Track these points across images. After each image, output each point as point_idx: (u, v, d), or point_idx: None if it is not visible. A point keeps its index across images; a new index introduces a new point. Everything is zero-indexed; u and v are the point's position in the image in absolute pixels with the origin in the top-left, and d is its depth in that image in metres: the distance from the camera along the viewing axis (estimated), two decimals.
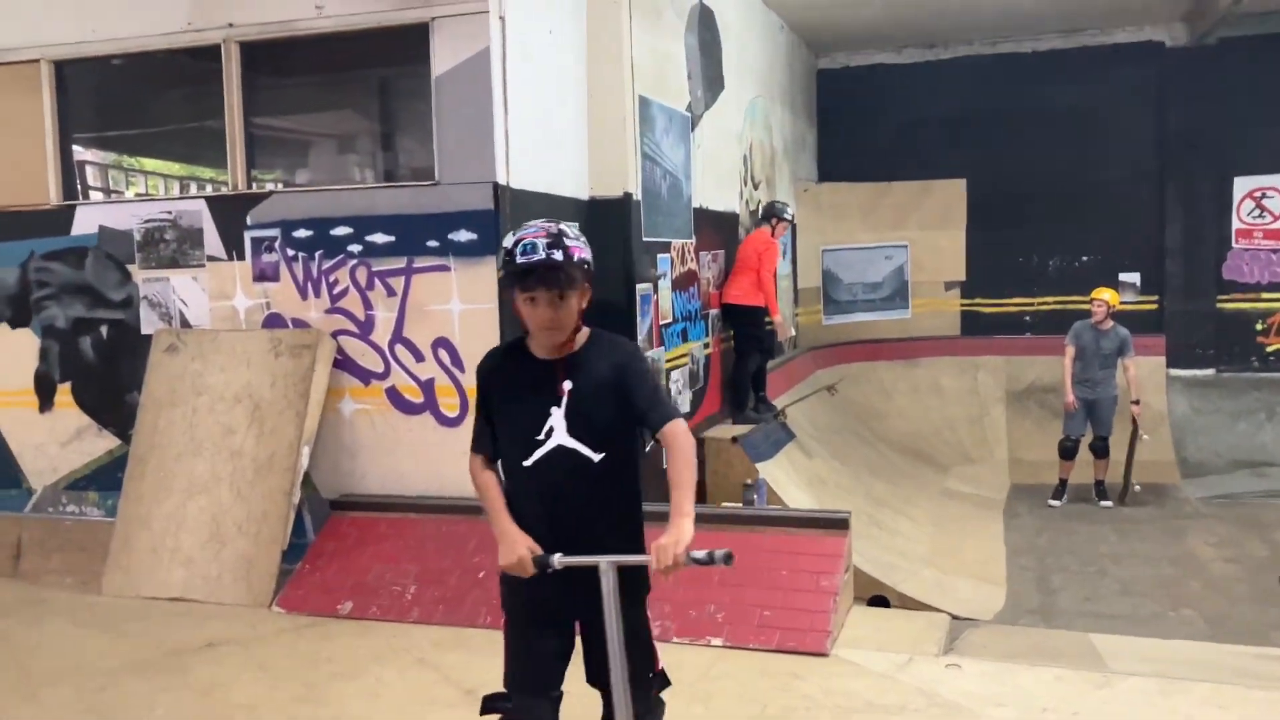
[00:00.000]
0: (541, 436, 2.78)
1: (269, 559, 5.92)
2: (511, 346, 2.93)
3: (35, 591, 6.22)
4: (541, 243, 2.69)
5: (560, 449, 2.78)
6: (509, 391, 2.86)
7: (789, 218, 9.21)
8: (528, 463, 2.80)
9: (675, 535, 2.60)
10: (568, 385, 2.78)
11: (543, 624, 2.89)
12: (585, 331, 2.85)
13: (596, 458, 2.79)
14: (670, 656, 4.75)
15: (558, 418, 2.78)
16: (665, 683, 3.03)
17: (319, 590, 5.80)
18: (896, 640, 5.11)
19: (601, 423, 2.80)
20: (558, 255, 2.69)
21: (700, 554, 2.58)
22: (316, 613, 5.64)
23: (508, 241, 2.76)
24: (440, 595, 5.52)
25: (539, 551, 2.72)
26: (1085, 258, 12.66)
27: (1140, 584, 7.87)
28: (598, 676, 2.86)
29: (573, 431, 2.78)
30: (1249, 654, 5.29)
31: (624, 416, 2.81)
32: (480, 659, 4.69)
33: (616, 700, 2.69)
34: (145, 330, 6.67)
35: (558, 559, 2.70)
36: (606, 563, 2.66)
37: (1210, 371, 12.13)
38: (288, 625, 5.52)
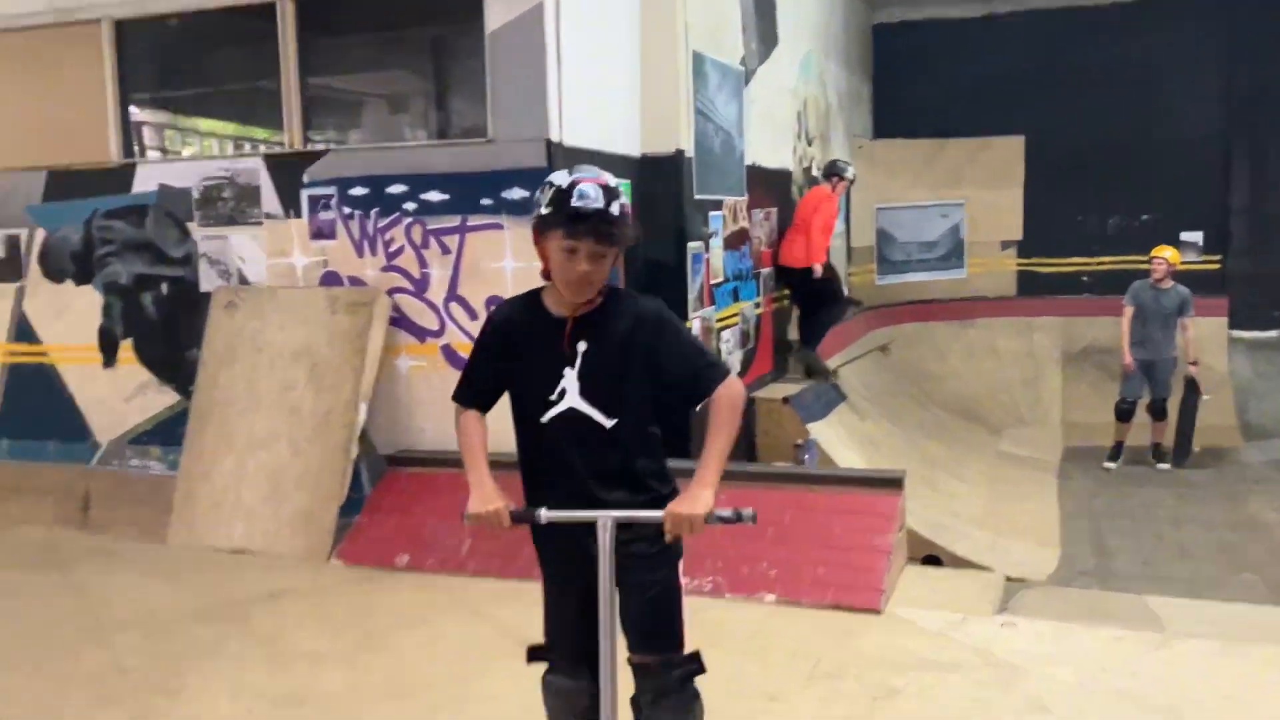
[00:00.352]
0: (554, 397, 2.64)
1: (327, 513, 6.02)
2: (527, 299, 2.74)
3: (104, 542, 6.39)
4: (599, 192, 2.51)
5: (572, 411, 2.63)
6: (523, 347, 2.69)
7: (850, 176, 9.10)
8: (542, 419, 2.66)
9: (691, 506, 2.49)
10: (582, 346, 2.62)
11: (566, 583, 2.76)
12: (604, 288, 2.66)
13: (609, 423, 2.63)
14: (722, 613, 4.82)
15: (570, 379, 2.62)
16: (698, 668, 2.75)
17: (376, 544, 5.89)
18: (950, 599, 5.09)
19: (616, 387, 2.63)
20: (615, 209, 2.52)
21: (726, 512, 2.49)
22: (374, 565, 5.75)
23: (560, 179, 2.55)
24: (496, 549, 5.57)
25: (512, 505, 2.60)
26: (1146, 216, 12.39)
27: (1199, 548, 7.76)
28: (631, 647, 2.74)
29: (585, 394, 2.63)
30: None
31: (649, 380, 2.65)
32: (535, 613, 4.71)
33: (603, 670, 2.55)
34: (204, 287, 6.77)
35: (544, 513, 2.57)
36: (608, 518, 2.54)
37: (1274, 333, 11.87)
38: (346, 577, 5.63)
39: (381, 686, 4.23)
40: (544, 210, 2.56)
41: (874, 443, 8.79)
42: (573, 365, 2.63)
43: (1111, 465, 10.08)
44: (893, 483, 5.52)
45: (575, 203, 2.50)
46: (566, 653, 2.78)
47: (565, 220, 2.51)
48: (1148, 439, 10.10)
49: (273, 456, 6.24)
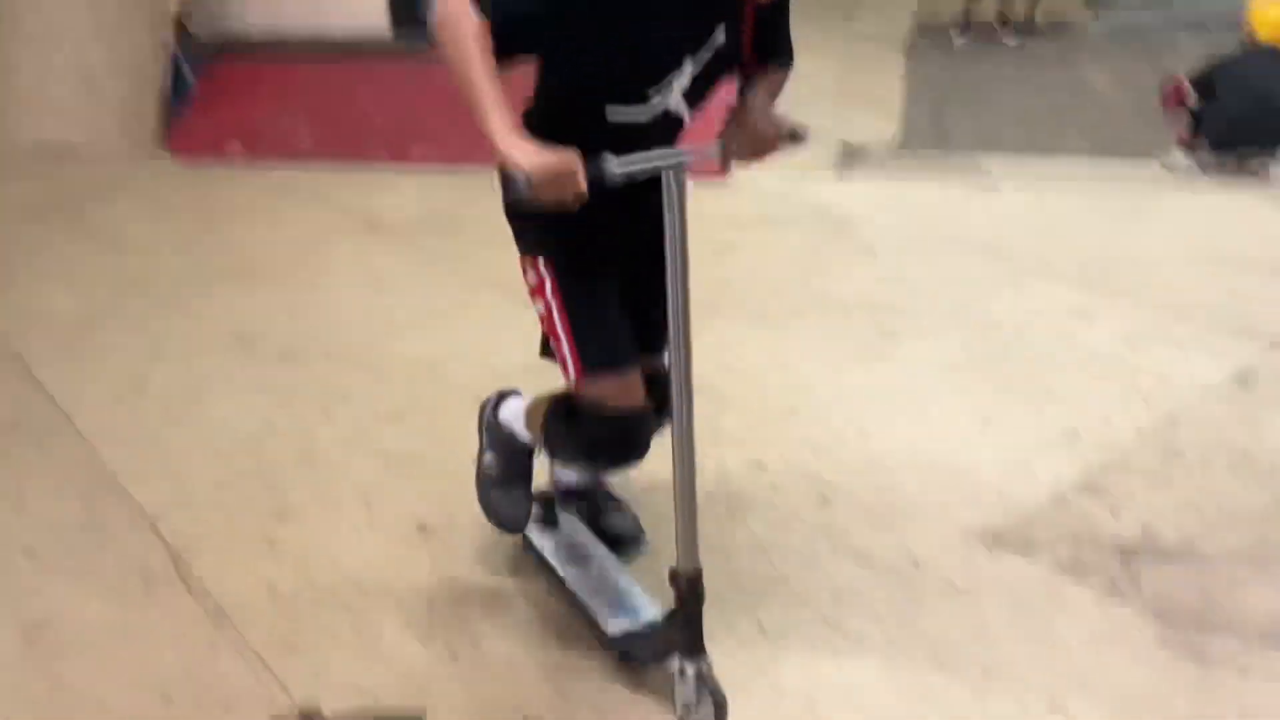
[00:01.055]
0: (650, 91, 1.86)
1: (149, 104, 5.70)
2: None
3: None
4: None
5: (665, 113, 1.91)
6: (641, 9, 1.78)
7: None
8: (611, 118, 1.88)
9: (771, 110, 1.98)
10: (720, 35, 1.86)
11: (604, 266, 2.08)
12: None
13: (689, 120, 1.98)
14: None
15: (685, 74, 1.86)
16: None
17: (207, 135, 5.65)
18: (790, 161, 5.20)
19: (715, 79, 1.95)
20: None
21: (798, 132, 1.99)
22: (206, 157, 5.53)
23: None
24: (333, 136, 5.41)
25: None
26: None
27: (1034, 114, 8.01)
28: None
29: (689, 93, 1.90)
30: (1125, 165, 5.55)
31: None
32: (379, 195, 4.69)
33: (674, 349, 1.95)
34: None
35: (612, 162, 1.77)
36: (676, 160, 1.86)
37: None
38: (178, 170, 5.44)
39: (224, 270, 4.20)
40: None
41: None
42: (694, 51, 1.86)
43: (960, 41, 10.13)
44: None
45: None
46: (620, 357, 2.05)
47: None
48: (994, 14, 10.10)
49: (77, 49, 5.74)
